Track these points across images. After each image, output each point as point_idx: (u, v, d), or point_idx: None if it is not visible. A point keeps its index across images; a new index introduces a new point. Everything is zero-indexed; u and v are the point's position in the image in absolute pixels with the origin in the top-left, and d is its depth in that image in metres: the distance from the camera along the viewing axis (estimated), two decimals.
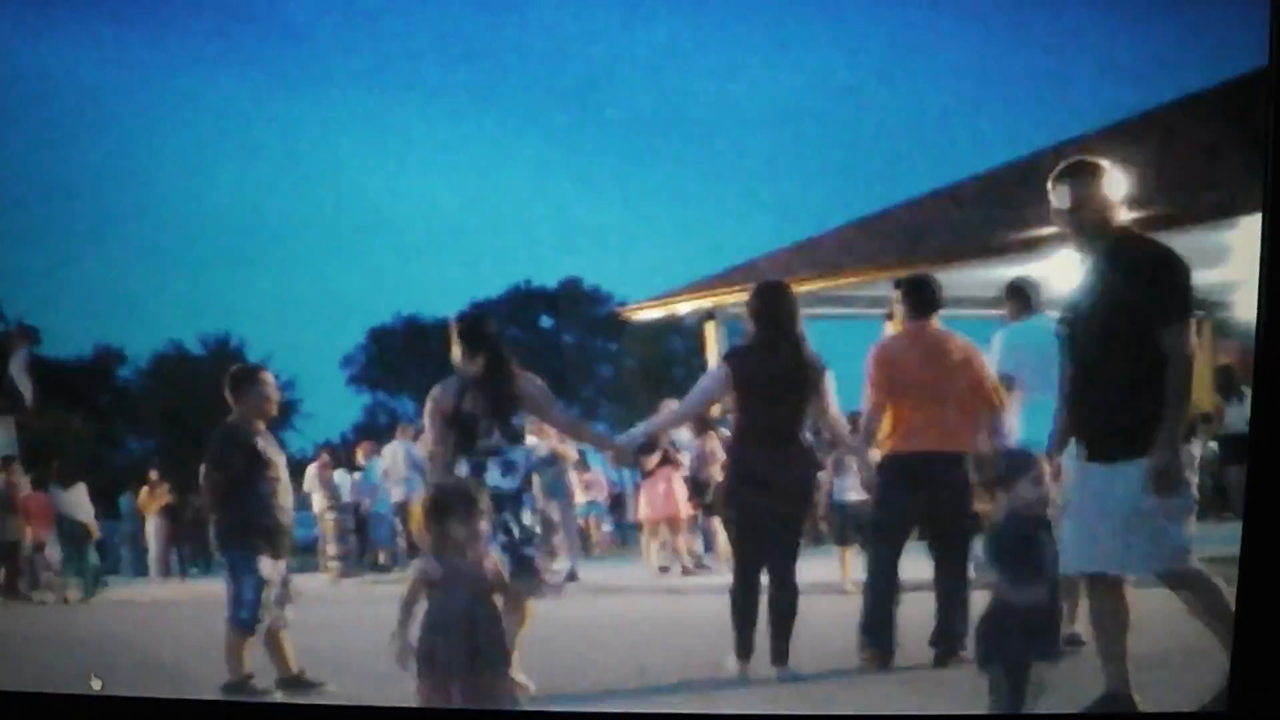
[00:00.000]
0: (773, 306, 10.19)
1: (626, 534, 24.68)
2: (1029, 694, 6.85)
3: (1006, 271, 21.77)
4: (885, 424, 10.12)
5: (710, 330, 25.46)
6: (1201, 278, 25.57)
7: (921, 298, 10.37)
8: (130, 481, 26.05)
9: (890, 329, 23.70)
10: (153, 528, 26.10)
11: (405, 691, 9.59)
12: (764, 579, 10.12)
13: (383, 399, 64.84)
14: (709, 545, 19.40)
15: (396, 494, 23.55)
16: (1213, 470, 20.94)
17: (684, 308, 25.95)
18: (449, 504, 6.66)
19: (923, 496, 9.99)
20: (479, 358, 10.00)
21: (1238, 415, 20.99)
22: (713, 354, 25.22)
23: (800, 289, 24.33)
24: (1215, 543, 14.61)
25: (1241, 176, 19.04)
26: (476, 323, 10.46)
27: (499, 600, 6.92)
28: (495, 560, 6.78)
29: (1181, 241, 20.02)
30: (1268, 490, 4.14)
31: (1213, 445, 21.20)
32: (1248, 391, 22.20)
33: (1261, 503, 4.15)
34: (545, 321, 63.67)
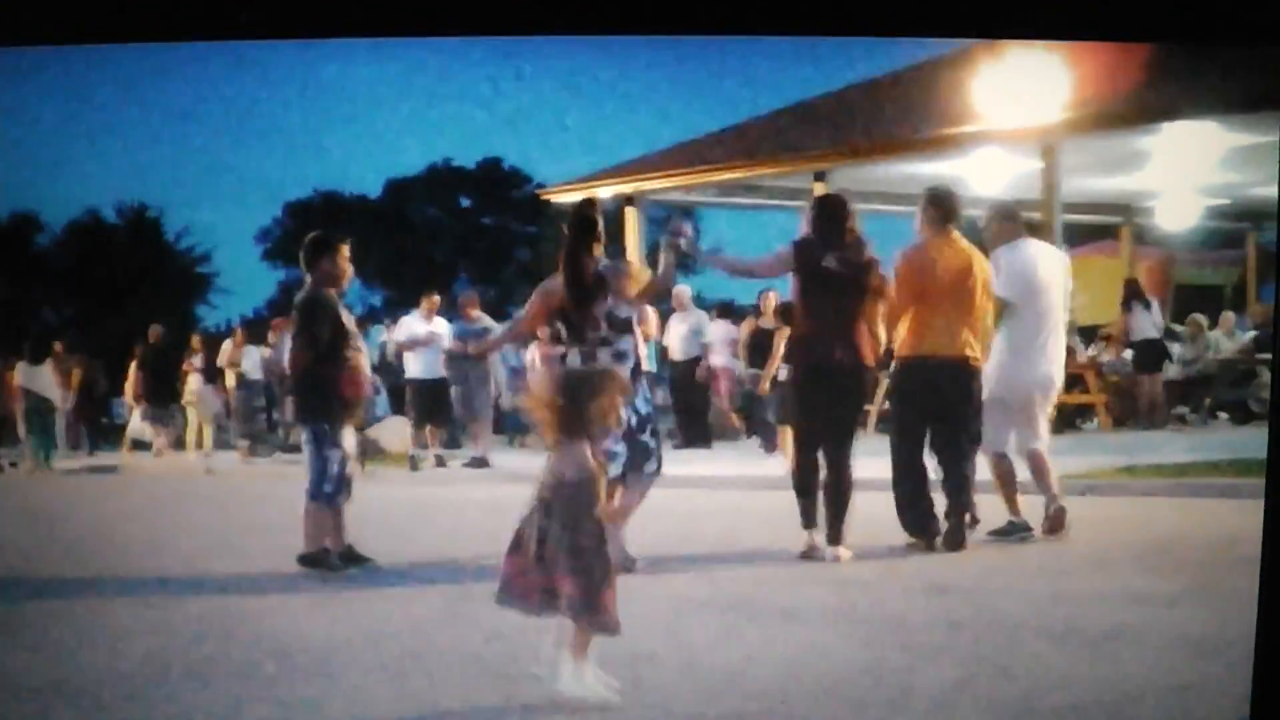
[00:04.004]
0: (830, 212, 10.30)
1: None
2: None
3: (926, 168, 21.86)
4: (904, 328, 10.47)
5: (630, 215, 25.34)
6: (1122, 183, 25.53)
7: (945, 209, 10.61)
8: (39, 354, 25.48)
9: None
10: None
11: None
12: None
13: (299, 275, 64.18)
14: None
15: None
16: (1125, 379, 21.08)
17: (604, 192, 25.77)
18: (596, 386, 6.22)
19: (936, 398, 10.38)
20: (579, 247, 9.75)
21: (1145, 323, 21.09)
22: (631, 239, 25.10)
23: (720, 177, 24.32)
24: (1129, 451, 14.92)
25: (1162, 83, 19.08)
26: (581, 209, 10.10)
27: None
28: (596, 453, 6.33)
29: (1104, 146, 20.26)
30: None
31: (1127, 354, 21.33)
32: (1153, 301, 22.35)
33: None
34: (464, 202, 63.22)
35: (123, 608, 9.06)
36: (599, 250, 9.80)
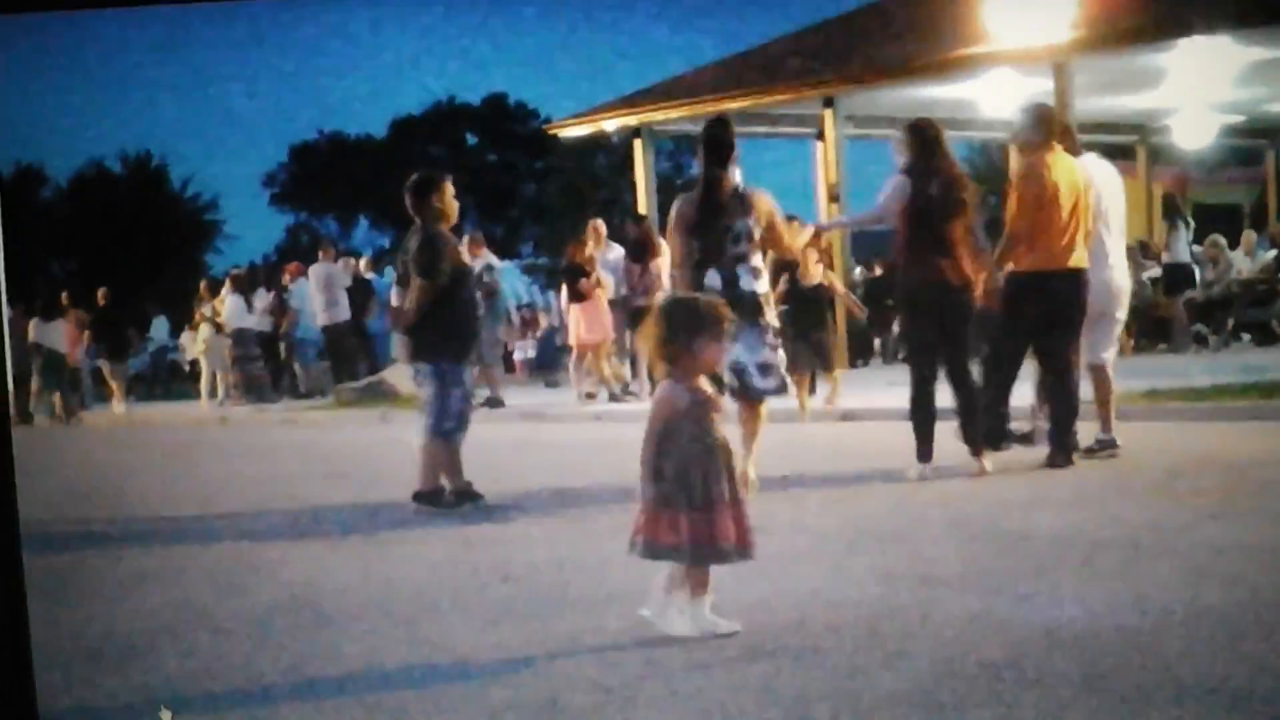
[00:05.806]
0: (927, 138, 10.48)
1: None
2: None
3: (936, 91, 21.62)
4: (1026, 242, 10.45)
5: (638, 147, 25.00)
6: (1136, 102, 25.26)
7: (1047, 124, 10.69)
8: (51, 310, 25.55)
9: (821, 149, 23.49)
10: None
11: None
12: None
13: (305, 219, 64.01)
14: (635, 372, 19.22)
15: (322, 318, 23.26)
16: (1151, 298, 20.80)
17: (610, 125, 25.51)
18: (706, 318, 5.98)
19: (1052, 311, 10.45)
20: (713, 165, 9.88)
21: (1182, 244, 20.83)
22: (641, 171, 24.84)
23: (728, 106, 24.04)
24: (1154, 375, 14.79)
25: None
26: (719, 127, 10.28)
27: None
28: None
29: (1117, 65, 20.00)
30: None
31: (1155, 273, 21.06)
32: (1190, 221, 22.05)
33: None
34: (469, 139, 62.83)
35: (135, 559, 8.96)
36: (734, 168, 9.90)
